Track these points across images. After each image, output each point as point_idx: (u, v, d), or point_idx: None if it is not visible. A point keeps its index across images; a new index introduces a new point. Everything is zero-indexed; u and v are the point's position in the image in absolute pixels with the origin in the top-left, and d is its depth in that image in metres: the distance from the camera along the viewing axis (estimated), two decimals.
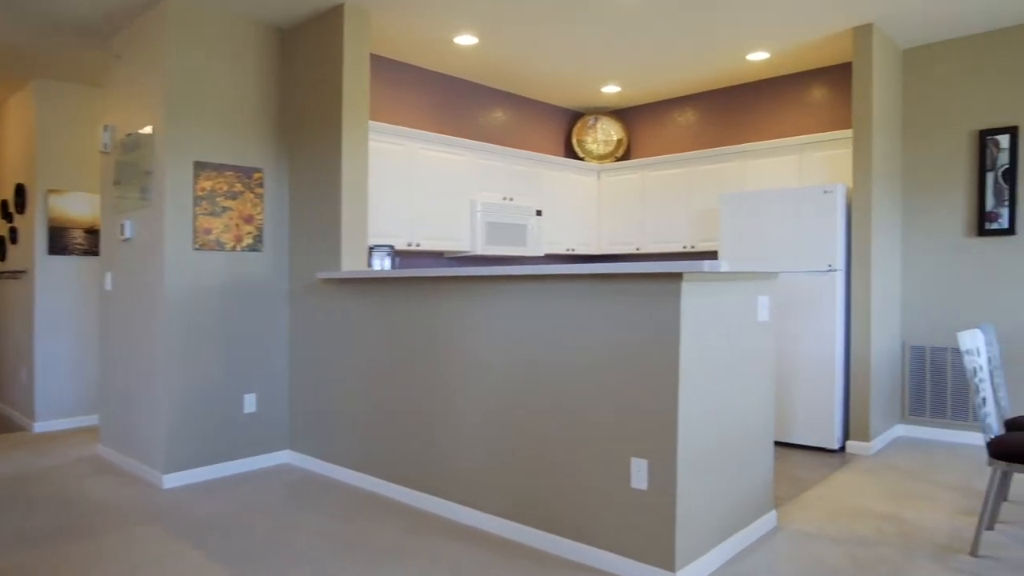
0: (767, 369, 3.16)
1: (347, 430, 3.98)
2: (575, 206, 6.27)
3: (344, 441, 4.01)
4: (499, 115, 6.14)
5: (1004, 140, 4.64)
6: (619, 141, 6.58)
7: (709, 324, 2.70)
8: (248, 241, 4.27)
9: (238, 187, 4.22)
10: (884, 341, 4.79)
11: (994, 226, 4.68)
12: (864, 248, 4.57)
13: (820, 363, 4.60)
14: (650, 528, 2.61)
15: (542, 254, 5.82)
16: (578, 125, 6.65)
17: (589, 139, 6.60)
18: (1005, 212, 4.64)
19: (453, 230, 5.20)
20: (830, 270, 4.55)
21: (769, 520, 3.20)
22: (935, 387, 4.93)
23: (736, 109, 6.00)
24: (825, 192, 4.57)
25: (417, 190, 4.97)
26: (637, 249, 6.19)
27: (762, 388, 3.13)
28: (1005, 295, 4.66)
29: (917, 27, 4.65)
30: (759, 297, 3.07)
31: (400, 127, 4.88)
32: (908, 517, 3.35)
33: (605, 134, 6.59)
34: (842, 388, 4.63)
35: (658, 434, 2.59)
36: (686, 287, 2.54)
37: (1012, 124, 4.63)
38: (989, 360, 3.44)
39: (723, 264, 2.33)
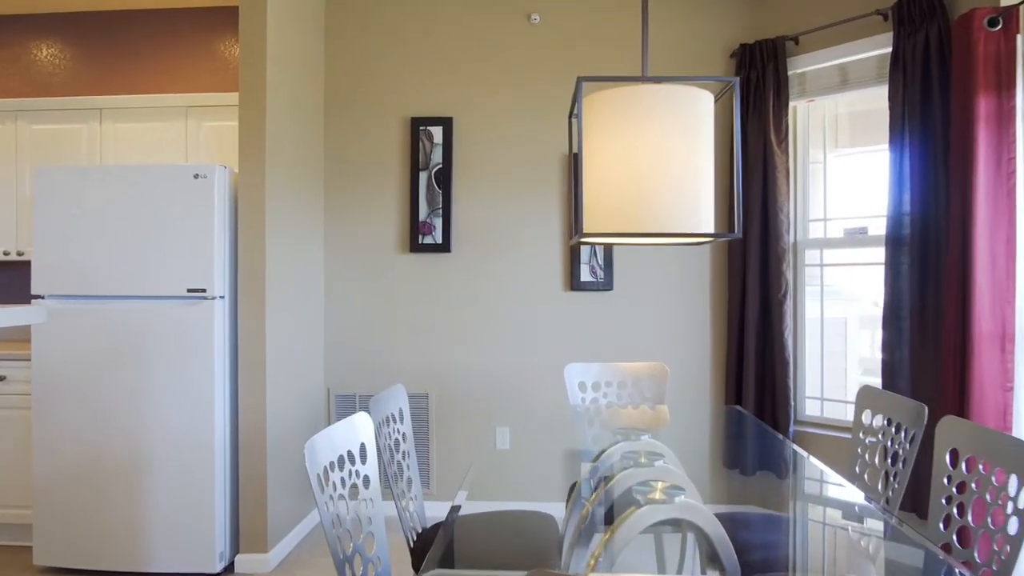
0: None
1: None
2: None
3: None
4: None
5: (438, 133, 3.72)
6: None
7: None
8: None
9: None
10: (294, 396, 3.40)
11: (428, 240, 3.72)
12: (256, 265, 3.07)
13: (192, 442, 2.93)
14: None
15: None
16: None
17: None
18: (439, 223, 3.72)
19: None
20: (199, 297, 2.93)
21: None
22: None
23: (112, 45, 3.98)
24: (197, 177, 2.93)
25: None
26: None
27: None
28: (439, 326, 3.75)
29: None
30: None
31: None
32: None
33: None
34: (230, 475, 3.06)
35: None
36: None
37: (447, 115, 3.75)
38: (399, 440, 2.23)
39: None
